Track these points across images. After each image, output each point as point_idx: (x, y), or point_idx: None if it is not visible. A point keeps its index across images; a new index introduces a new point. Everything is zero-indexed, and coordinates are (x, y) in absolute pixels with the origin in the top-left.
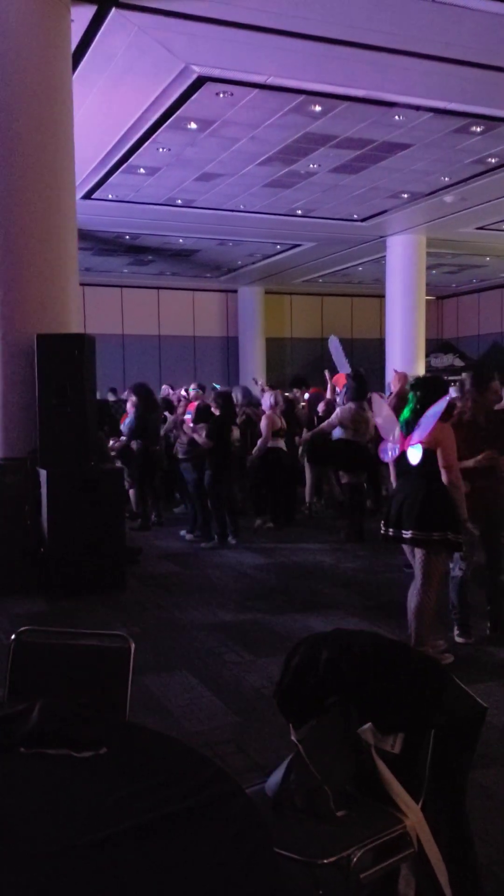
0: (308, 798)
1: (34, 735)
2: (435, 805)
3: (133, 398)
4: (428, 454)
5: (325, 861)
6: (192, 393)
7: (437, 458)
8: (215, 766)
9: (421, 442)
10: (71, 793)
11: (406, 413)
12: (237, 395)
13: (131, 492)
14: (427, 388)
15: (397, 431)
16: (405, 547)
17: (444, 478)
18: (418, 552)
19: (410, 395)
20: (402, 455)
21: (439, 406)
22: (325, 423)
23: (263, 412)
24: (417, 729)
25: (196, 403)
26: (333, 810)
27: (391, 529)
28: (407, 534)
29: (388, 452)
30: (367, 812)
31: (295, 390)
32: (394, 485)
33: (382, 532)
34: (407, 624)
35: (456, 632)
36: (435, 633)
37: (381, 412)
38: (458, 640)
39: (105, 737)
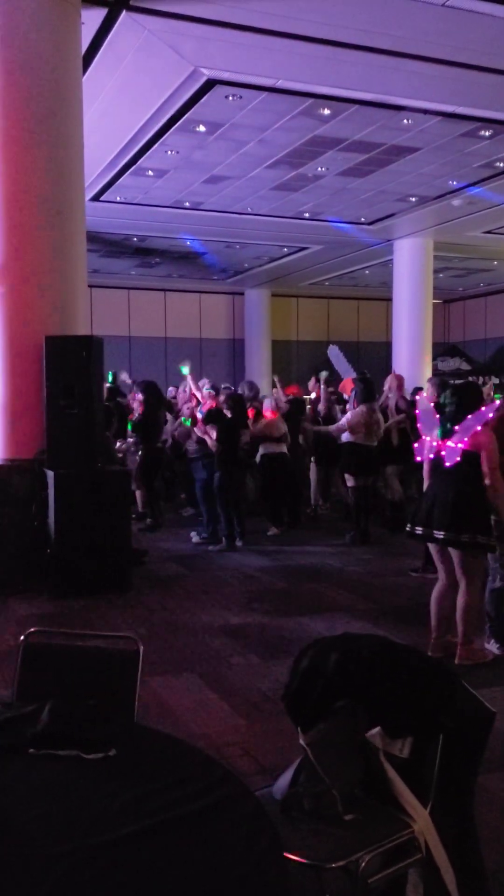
0: (316, 801)
1: (44, 736)
2: (442, 810)
3: (139, 396)
4: (467, 456)
5: (334, 865)
6: (204, 392)
7: (475, 460)
8: (223, 769)
9: (462, 444)
10: (80, 794)
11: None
12: (244, 389)
13: (137, 493)
14: (466, 394)
15: (436, 432)
16: (431, 548)
17: (487, 481)
18: (455, 553)
19: (447, 399)
20: (438, 456)
21: (488, 410)
22: (333, 428)
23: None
24: (426, 733)
25: (208, 404)
26: (342, 814)
27: (419, 528)
28: (439, 534)
29: (425, 451)
30: (376, 816)
31: (312, 383)
32: (424, 485)
33: (409, 529)
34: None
35: (495, 645)
36: (481, 633)
37: (424, 411)
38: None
39: (114, 738)
